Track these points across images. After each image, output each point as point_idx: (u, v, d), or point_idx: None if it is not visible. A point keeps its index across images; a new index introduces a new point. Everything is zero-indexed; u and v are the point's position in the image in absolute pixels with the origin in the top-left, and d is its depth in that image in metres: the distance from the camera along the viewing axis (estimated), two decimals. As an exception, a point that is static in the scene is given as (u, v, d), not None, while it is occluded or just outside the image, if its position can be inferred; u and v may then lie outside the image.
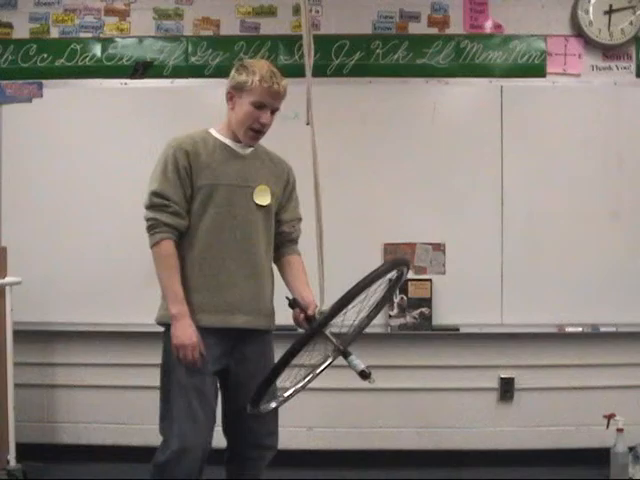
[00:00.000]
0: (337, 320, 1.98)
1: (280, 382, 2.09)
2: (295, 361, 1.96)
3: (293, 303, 2.22)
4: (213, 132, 2.32)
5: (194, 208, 2.23)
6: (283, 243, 2.41)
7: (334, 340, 2.02)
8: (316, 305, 2.20)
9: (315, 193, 2.08)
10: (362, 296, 1.95)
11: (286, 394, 2.14)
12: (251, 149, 2.33)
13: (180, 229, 2.21)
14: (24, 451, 3.21)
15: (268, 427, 2.35)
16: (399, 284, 2.14)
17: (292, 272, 2.37)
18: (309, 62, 1.98)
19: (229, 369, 2.28)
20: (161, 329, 2.26)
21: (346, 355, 2.02)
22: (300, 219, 2.44)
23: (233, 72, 2.28)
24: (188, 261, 2.22)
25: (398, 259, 2.11)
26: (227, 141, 2.30)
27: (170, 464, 2.16)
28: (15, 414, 3.13)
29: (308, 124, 2.06)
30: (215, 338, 2.21)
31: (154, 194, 2.20)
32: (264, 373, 2.03)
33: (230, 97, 2.28)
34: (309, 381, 2.13)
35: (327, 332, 2.01)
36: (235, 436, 2.35)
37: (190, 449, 2.16)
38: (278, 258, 2.41)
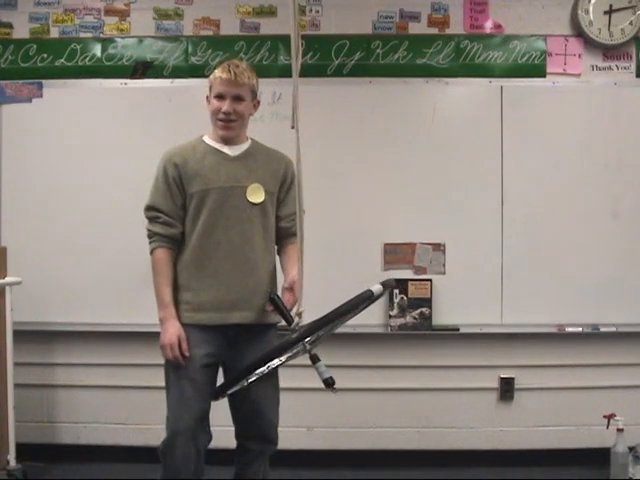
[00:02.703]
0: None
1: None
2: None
3: (274, 299, 2.28)
4: (205, 138, 2.42)
5: (189, 214, 2.35)
6: (282, 237, 2.48)
7: (307, 346, 2.13)
8: (294, 281, 2.27)
9: (297, 196, 2.07)
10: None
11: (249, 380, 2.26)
12: (243, 149, 2.40)
13: (172, 237, 2.34)
14: (24, 451, 3.21)
15: (271, 419, 2.41)
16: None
17: (286, 257, 2.46)
18: (296, 66, 1.98)
19: (226, 364, 2.37)
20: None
21: (315, 360, 2.09)
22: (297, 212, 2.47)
23: None
24: (185, 263, 2.35)
25: (386, 283, 2.19)
26: (217, 145, 2.39)
27: (166, 448, 2.30)
28: (15, 414, 3.13)
29: (293, 127, 2.05)
30: (213, 334, 2.31)
31: (146, 208, 2.38)
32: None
33: (207, 101, 2.41)
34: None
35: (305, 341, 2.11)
36: (239, 428, 2.43)
37: (181, 432, 2.26)
38: (278, 251, 2.49)
